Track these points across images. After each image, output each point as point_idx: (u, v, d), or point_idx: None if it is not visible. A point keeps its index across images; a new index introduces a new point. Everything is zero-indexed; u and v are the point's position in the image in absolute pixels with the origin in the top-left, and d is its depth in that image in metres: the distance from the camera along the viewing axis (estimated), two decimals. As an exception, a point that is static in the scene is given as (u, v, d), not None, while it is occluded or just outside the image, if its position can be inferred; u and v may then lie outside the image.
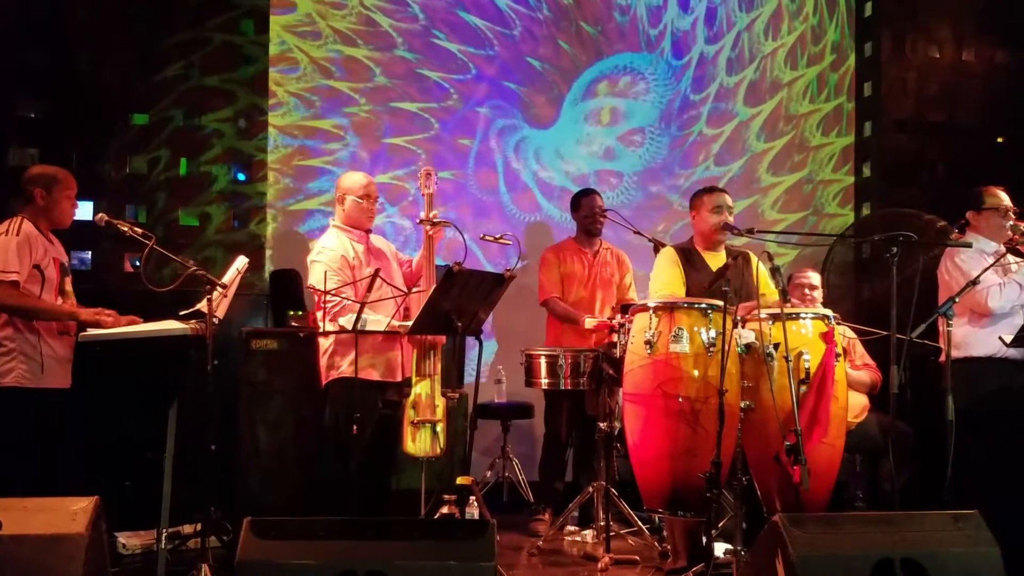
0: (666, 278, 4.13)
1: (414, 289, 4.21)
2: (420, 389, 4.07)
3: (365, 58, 5.92)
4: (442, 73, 6.03)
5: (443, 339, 4.16)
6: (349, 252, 4.10)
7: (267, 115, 5.69)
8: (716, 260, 4.16)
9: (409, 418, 4.03)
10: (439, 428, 4.10)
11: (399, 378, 4.13)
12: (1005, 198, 4.22)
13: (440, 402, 4.12)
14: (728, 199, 4.23)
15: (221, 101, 5.62)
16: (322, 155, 5.83)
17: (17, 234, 3.68)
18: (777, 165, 6.59)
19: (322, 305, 4.01)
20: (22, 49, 5.34)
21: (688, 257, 4.19)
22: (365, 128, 5.90)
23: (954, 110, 6.60)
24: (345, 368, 3.99)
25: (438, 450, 4.10)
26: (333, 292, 3.92)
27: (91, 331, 3.67)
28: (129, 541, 4.28)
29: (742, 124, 6.54)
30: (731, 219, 4.19)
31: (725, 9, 6.54)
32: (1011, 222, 4.18)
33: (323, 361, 4.07)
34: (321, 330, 4.03)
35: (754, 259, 4.19)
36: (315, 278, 4.02)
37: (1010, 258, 4.11)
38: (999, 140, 6.63)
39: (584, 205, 5.19)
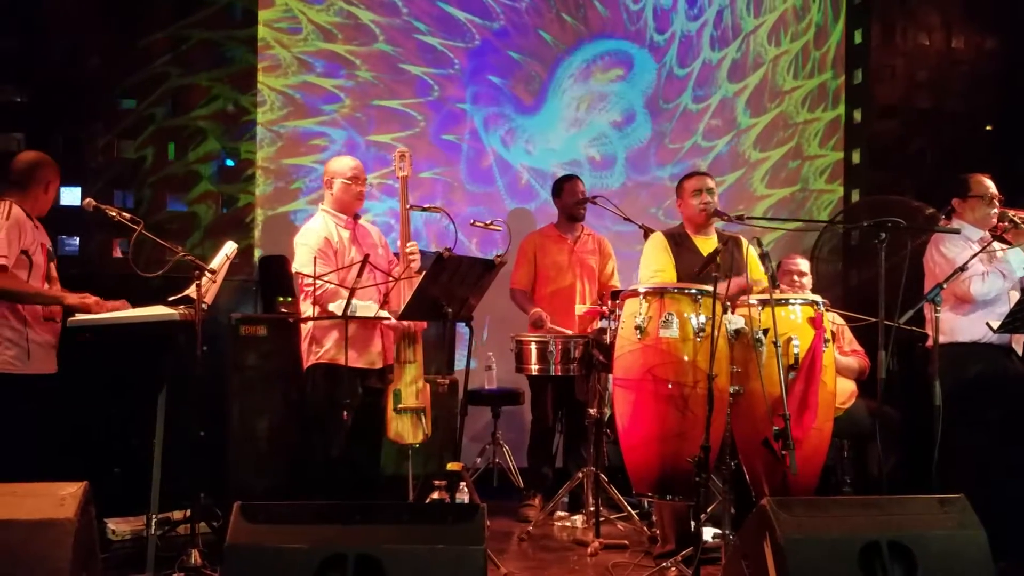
0: (655, 264, 4.14)
1: (396, 270, 4.20)
2: (403, 375, 4.06)
3: (348, 53, 5.90)
4: (424, 67, 6.00)
5: (424, 325, 4.16)
6: (333, 236, 4.07)
7: (254, 113, 5.65)
8: (707, 244, 4.16)
9: (392, 405, 4.03)
10: (424, 415, 4.10)
11: (380, 364, 4.11)
12: (990, 185, 4.23)
13: (424, 388, 4.12)
14: (709, 181, 4.24)
15: (208, 89, 5.58)
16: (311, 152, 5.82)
17: (7, 218, 3.65)
18: (764, 141, 6.60)
19: (304, 289, 3.99)
20: (4, 33, 5.29)
21: (678, 241, 4.20)
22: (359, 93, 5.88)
23: (943, 97, 6.62)
24: (323, 353, 3.98)
25: (423, 437, 4.11)
26: (318, 276, 3.89)
27: (79, 316, 3.65)
28: (119, 527, 4.28)
29: (726, 100, 6.52)
30: (715, 200, 4.20)
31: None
32: (996, 210, 4.19)
33: (304, 346, 4.05)
34: (302, 314, 4.02)
35: (745, 243, 4.20)
36: (299, 261, 4.00)
37: (995, 245, 4.12)
38: (988, 128, 6.65)
39: (567, 191, 5.19)
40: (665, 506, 3.89)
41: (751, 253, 4.17)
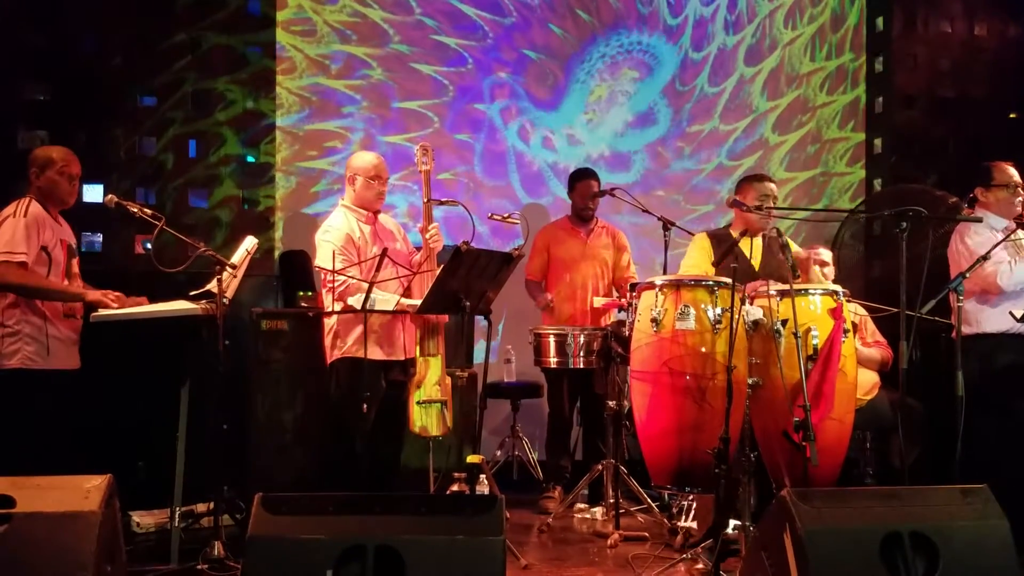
0: (691, 261, 4.16)
1: (418, 261, 4.22)
2: (425, 368, 4.08)
3: (383, 21, 5.92)
4: (440, 66, 6.01)
5: (445, 318, 4.17)
6: (355, 232, 4.10)
7: (276, 75, 5.70)
8: (752, 245, 4.11)
9: (415, 397, 4.05)
10: (445, 407, 4.11)
11: (402, 357, 4.14)
12: (1014, 174, 4.18)
13: (445, 381, 4.13)
14: (772, 187, 4.17)
15: (229, 80, 5.62)
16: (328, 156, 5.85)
17: (25, 215, 3.68)
18: (783, 124, 6.54)
19: (327, 284, 4.02)
20: (28, 32, 5.36)
21: (720, 241, 4.16)
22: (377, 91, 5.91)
23: (965, 85, 6.55)
24: (348, 347, 4.01)
25: (445, 429, 4.12)
26: (339, 271, 3.92)
27: (102, 311, 3.68)
28: (143, 520, 4.33)
29: (744, 81, 6.47)
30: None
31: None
32: (1021, 198, 4.15)
33: (327, 340, 4.09)
34: (327, 309, 4.05)
35: (793, 245, 4.12)
36: (321, 257, 4.02)
37: (1020, 233, 4.07)
38: (1012, 116, 6.57)
39: (578, 190, 5.17)
40: (697, 498, 3.87)
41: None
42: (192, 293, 3.73)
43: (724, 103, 6.43)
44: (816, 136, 6.58)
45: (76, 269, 3.92)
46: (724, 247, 3.69)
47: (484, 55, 6.08)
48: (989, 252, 3.81)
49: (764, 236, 4.17)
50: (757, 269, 4.09)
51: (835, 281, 4.54)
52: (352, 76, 5.86)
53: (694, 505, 4.17)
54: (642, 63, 6.34)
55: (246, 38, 5.69)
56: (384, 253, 3.83)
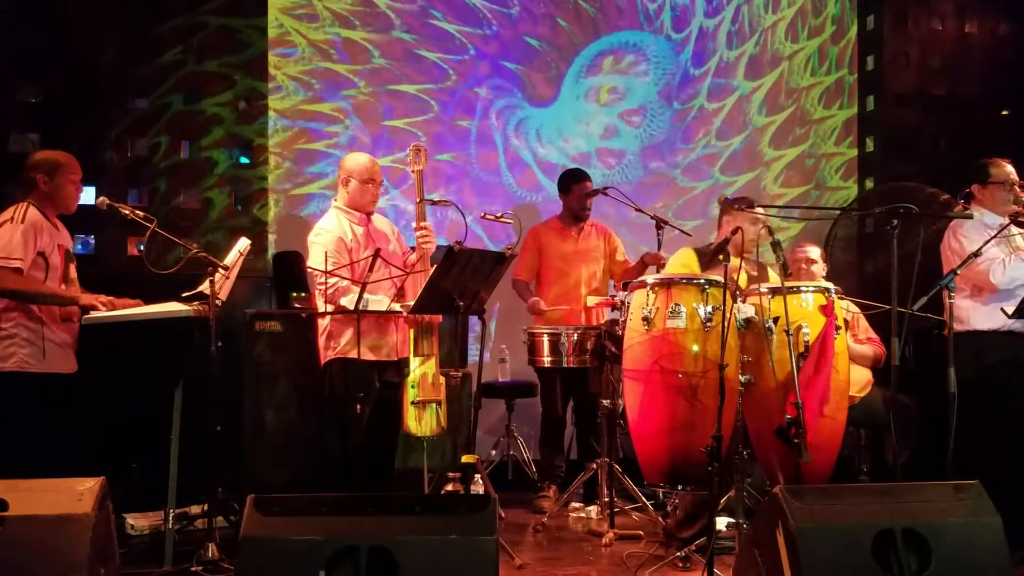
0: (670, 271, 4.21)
1: (412, 259, 4.22)
2: (419, 368, 4.08)
3: (364, 40, 5.92)
4: (440, 53, 6.01)
5: (439, 318, 4.18)
6: (347, 234, 4.09)
7: (267, 99, 5.68)
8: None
9: (409, 398, 4.05)
10: (440, 407, 4.11)
11: (395, 358, 4.14)
12: (1011, 171, 4.18)
13: (439, 381, 4.13)
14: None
15: (221, 83, 5.61)
16: (324, 138, 5.84)
17: (22, 221, 3.67)
18: (779, 139, 6.56)
19: (319, 286, 4.02)
20: (22, 34, 5.34)
21: (708, 261, 4.17)
22: (365, 110, 5.90)
23: (957, 83, 6.56)
24: (341, 348, 4.00)
25: (439, 429, 4.13)
26: (331, 273, 3.92)
27: (94, 313, 3.68)
28: (137, 522, 4.32)
29: (743, 98, 6.49)
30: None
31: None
32: (1016, 195, 4.14)
33: (321, 341, 4.09)
34: (320, 311, 4.05)
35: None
36: (314, 259, 4.02)
37: (1014, 230, 4.08)
38: (1004, 113, 6.59)
39: (574, 192, 5.17)
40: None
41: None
42: (185, 295, 3.73)
43: (723, 117, 6.43)
44: (812, 151, 6.58)
45: (73, 274, 3.92)
46: (715, 245, 3.70)
47: (474, 58, 6.07)
48: (980, 249, 3.82)
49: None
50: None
51: (827, 279, 4.55)
52: (350, 61, 5.86)
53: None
54: (643, 68, 6.33)
55: (242, 22, 5.68)
56: (376, 254, 3.83)
